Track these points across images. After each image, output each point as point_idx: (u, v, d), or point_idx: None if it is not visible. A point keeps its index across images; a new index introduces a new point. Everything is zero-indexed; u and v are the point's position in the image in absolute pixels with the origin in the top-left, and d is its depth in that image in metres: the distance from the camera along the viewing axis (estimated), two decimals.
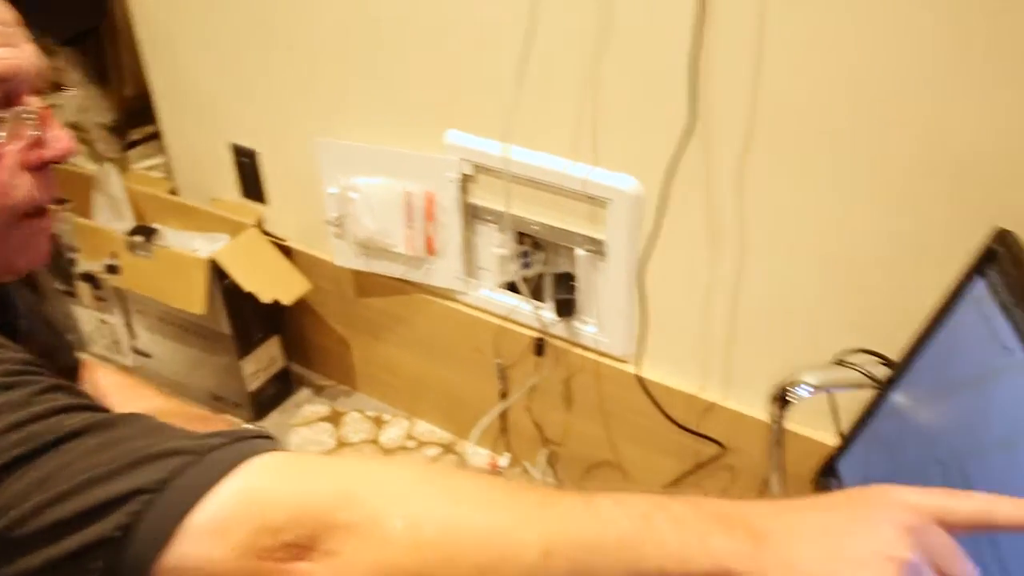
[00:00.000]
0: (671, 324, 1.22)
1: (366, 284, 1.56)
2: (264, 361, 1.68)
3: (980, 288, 0.67)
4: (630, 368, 1.27)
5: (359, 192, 1.38)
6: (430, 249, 1.39)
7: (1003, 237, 0.67)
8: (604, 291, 1.26)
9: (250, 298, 1.51)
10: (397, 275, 1.47)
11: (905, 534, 0.46)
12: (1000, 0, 0.81)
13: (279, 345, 1.71)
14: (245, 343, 1.62)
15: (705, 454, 1.31)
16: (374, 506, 0.46)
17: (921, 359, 0.73)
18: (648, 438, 1.36)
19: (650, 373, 1.27)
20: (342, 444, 1.65)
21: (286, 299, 1.54)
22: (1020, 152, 0.86)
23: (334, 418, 1.71)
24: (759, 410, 1.19)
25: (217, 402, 1.71)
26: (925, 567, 0.46)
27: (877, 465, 0.76)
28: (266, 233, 1.62)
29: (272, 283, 1.54)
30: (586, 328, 1.32)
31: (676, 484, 1.38)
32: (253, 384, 1.67)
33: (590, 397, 1.38)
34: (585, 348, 1.34)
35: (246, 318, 1.60)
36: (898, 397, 0.75)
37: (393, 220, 1.38)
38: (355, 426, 1.69)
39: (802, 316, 1.10)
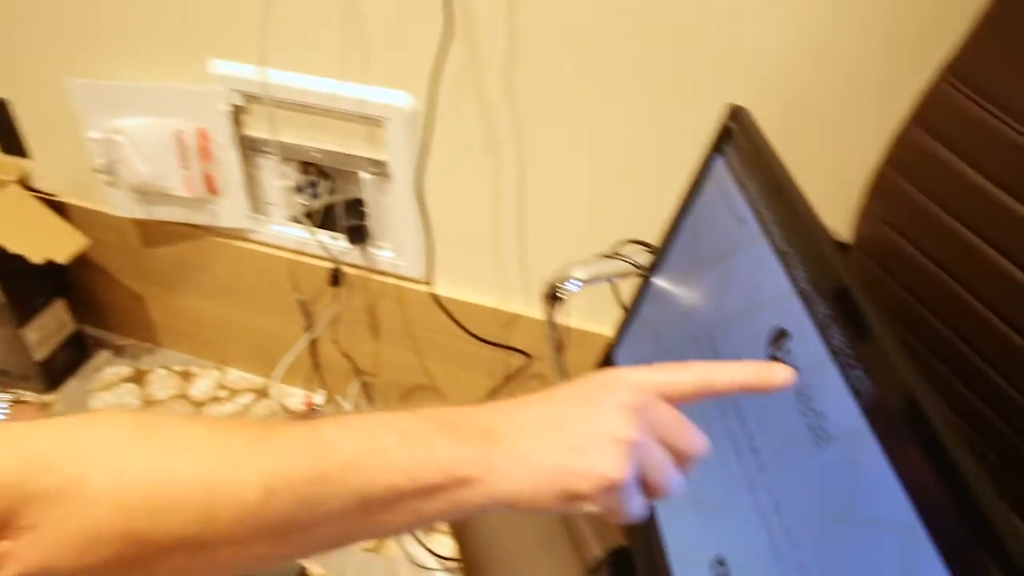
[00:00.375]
0: (462, 239, 1.22)
1: (151, 233, 1.47)
2: (50, 327, 1.56)
3: (720, 166, 0.69)
4: (427, 288, 1.26)
5: (125, 135, 1.28)
6: (211, 188, 1.32)
7: (736, 114, 0.68)
8: (395, 213, 1.23)
9: (22, 260, 1.39)
10: (181, 219, 1.39)
11: (630, 414, 0.46)
12: None
13: (66, 308, 1.59)
14: (23, 310, 1.50)
15: (515, 365, 1.33)
16: (72, 469, 0.42)
17: (676, 242, 0.75)
18: (458, 357, 1.36)
19: (449, 291, 1.26)
20: (149, 403, 1.57)
21: (60, 258, 1.42)
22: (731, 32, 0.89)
23: (138, 378, 1.62)
24: (563, 316, 1.21)
25: (2, 377, 1.58)
26: (652, 443, 0.46)
27: (644, 350, 0.78)
28: (33, 189, 1.49)
29: (43, 242, 1.42)
30: (382, 253, 1.29)
31: (491, 398, 1.39)
32: (40, 353, 1.55)
33: (395, 323, 1.36)
34: (384, 274, 1.31)
35: (21, 283, 1.47)
36: (659, 282, 0.77)
37: (166, 161, 1.29)
38: (161, 383, 1.61)
39: (587, 216, 1.11)
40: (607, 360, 0.85)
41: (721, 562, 0.59)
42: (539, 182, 1.10)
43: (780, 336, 0.57)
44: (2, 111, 1.44)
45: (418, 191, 1.15)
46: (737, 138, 0.68)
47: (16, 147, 1.49)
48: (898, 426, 0.45)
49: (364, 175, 1.21)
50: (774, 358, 0.57)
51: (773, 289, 0.59)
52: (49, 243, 1.43)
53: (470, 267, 1.24)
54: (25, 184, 1.49)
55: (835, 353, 0.51)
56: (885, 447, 0.46)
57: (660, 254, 0.78)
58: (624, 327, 0.83)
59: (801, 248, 0.57)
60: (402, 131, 1.12)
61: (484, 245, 1.21)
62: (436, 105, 1.07)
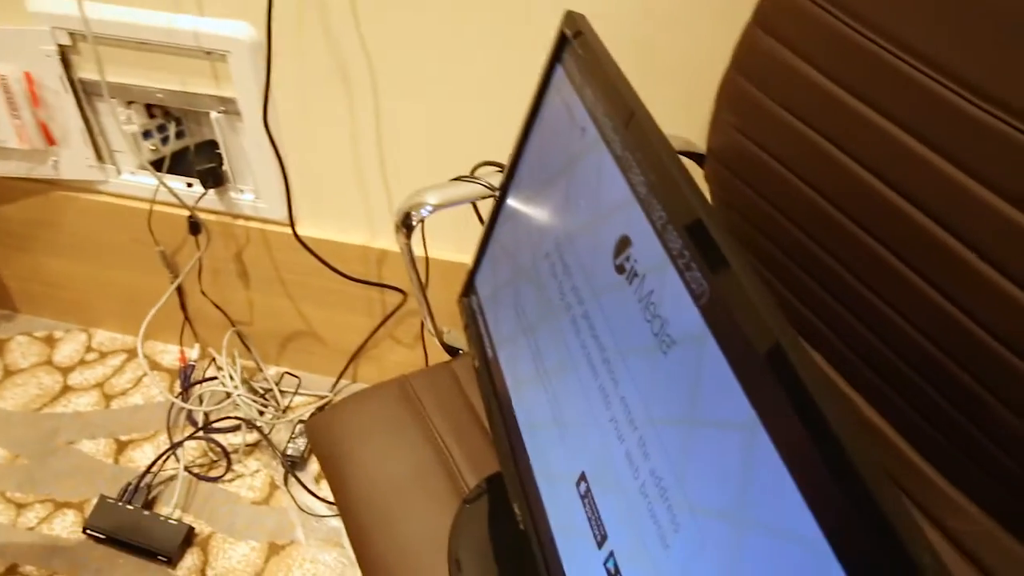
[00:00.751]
0: (321, 176, 1.17)
1: None
2: None
3: (559, 75, 0.67)
4: (290, 230, 1.21)
5: None
6: (49, 139, 1.22)
7: (572, 20, 0.66)
8: (250, 153, 1.17)
9: None
10: (22, 174, 1.29)
11: None
12: None
13: None
14: None
15: (392, 303, 1.30)
16: None
17: (524, 159, 0.73)
18: (332, 299, 1.32)
19: (315, 231, 1.22)
20: (10, 373, 1.47)
21: None
22: None
23: None
24: (435, 249, 1.18)
25: None
26: None
27: (502, 273, 0.76)
28: None
29: None
30: (242, 197, 1.23)
31: (371, 338, 1.36)
32: None
33: (264, 269, 1.31)
34: (247, 218, 1.25)
35: None
36: (511, 201, 0.75)
37: None
38: (23, 351, 1.51)
39: (448, 141, 1.08)
40: (468, 287, 0.83)
41: (583, 479, 0.59)
42: (395, 110, 1.06)
43: (623, 244, 0.56)
44: None
45: (268, 128, 1.09)
46: (574, 46, 0.65)
47: None
48: (734, 326, 0.44)
49: (214, 115, 1.14)
50: (619, 268, 0.56)
51: (614, 197, 0.57)
52: None
53: (334, 204, 1.20)
54: None
55: (673, 256, 0.50)
56: (723, 348, 0.45)
57: (510, 173, 0.75)
58: (482, 251, 0.80)
59: (637, 152, 0.55)
60: (246, 65, 1.06)
61: (346, 180, 1.16)
62: (274, 34, 1.01)
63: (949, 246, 0.62)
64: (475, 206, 0.92)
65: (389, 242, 1.22)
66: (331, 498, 1.28)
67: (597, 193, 0.60)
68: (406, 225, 0.77)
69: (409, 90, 1.03)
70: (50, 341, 1.53)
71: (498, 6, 0.93)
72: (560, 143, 0.67)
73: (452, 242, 1.17)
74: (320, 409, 1.40)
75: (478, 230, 1.06)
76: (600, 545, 0.56)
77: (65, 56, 1.14)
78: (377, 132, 1.09)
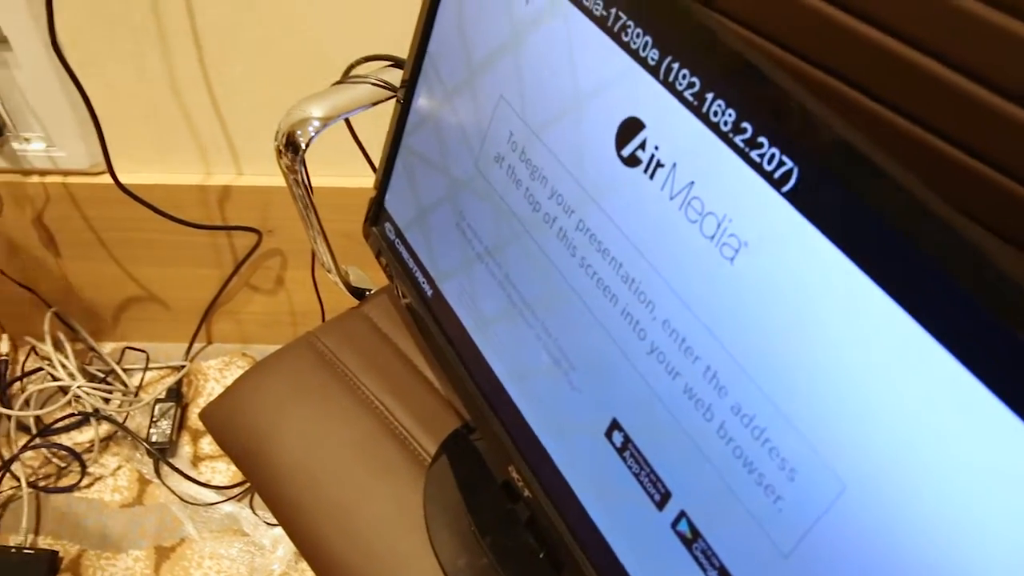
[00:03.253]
0: (131, 107, 0.95)
1: None
2: None
3: None
4: (108, 179, 0.98)
5: None
6: None
7: None
8: (30, 91, 0.93)
9: None
10: None
11: None
12: None
13: None
14: None
15: (243, 247, 1.11)
16: None
17: (435, 43, 0.58)
18: (170, 253, 1.11)
19: (134, 177, 1.00)
20: None
21: None
22: None
23: None
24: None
25: None
26: None
27: (427, 190, 0.61)
28: None
29: None
30: (31, 146, 0.99)
31: (224, 291, 1.17)
32: None
33: (76, 231, 1.08)
34: (42, 173, 1.01)
35: None
36: (423, 100, 0.60)
37: None
38: None
39: (293, 42, 0.89)
40: (376, 212, 0.67)
41: (617, 427, 0.47)
42: (215, 4, 0.85)
43: (631, 128, 0.43)
44: None
45: (60, 53, 0.85)
46: None
47: None
48: (852, 208, 0.33)
49: None
50: (630, 160, 0.43)
51: (602, 69, 0.44)
52: None
53: (153, 140, 0.98)
54: None
55: (724, 132, 0.38)
56: (835, 240, 0.34)
57: (415, 64, 0.60)
58: (388, 168, 0.65)
59: (637, 5, 0.42)
60: None
61: (164, 108, 0.95)
62: None
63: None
64: (347, 120, 0.75)
65: (230, 176, 1.03)
66: (217, 481, 1.11)
67: (571, 69, 0.46)
68: (292, 149, 0.60)
69: None
70: None
71: None
72: (490, 15, 0.52)
73: (314, 166, 0.99)
74: (180, 383, 1.20)
75: (350, 146, 0.90)
76: (661, 506, 0.45)
77: None
78: (194, 39, 0.88)
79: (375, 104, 0.64)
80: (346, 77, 0.66)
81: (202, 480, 1.10)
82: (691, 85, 0.39)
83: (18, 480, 1.09)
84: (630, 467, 0.46)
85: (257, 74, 0.91)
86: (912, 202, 0.31)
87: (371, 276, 0.81)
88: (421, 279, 0.63)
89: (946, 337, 0.31)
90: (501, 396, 0.56)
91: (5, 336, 1.22)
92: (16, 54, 0.88)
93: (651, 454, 0.45)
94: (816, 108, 0.35)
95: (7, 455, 1.11)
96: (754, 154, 0.37)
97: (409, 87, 0.60)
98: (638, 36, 0.42)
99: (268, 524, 1.06)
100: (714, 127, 0.38)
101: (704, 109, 0.39)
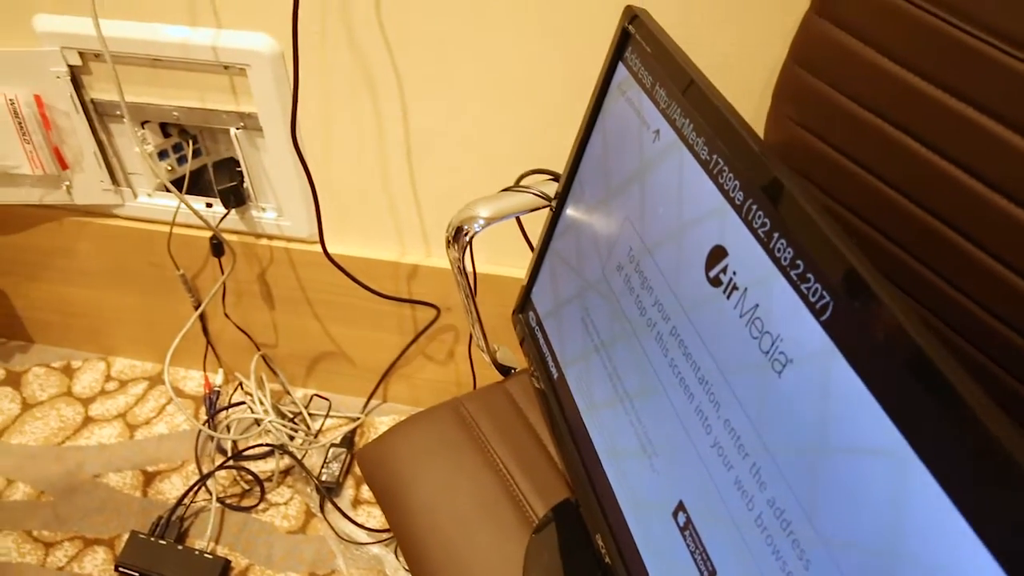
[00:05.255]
0: (348, 191, 1.12)
1: (3, 219, 1.32)
2: None
3: (623, 74, 0.63)
4: (319, 248, 1.16)
5: None
6: (62, 163, 1.18)
7: (634, 16, 0.61)
8: (272, 170, 1.12)
9: None
10: (34, 201, 1.24)
11: None
12: None
13: None
14: None
15: (424, 320, 1.25)
16: None
17: (584, 166, 0.69)
18: (362, 317, 1.27)
19: (342, 248, 1.17)
20: (29, 406, 1.43)
21: None
22: None
23: (13, 380, 1.47)
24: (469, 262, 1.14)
25: None
26: None
27: (564, 287, 0.72)
28: None
29: None
30: (265, 215, 1.18)
31: (403, 356, 1.31)
32: None
33: (289, 288, 1.26)
34: (269, 237, 1.21)
35: None
36: (570, 211, 0.71)
37: (4, 137, 1.14)
38: (41, 383, 1.47)
39: (479, 152, 1.03)
40: (524, 302, 0.78)
41: (681, 509, 0.54)
42: (424, 119, 1.01)
43: (717, 255, 0.51)
44: None
45: (298, 142, 1.04)
46: (638, 42, 0.61)
47: None
48: (868, 339, 0.40)
49: (234, 131, 1.09)
50: (714, 281, 0.51)
51: (702, 203, 0.53)
52: None
53: (361, 220, 1.15)
54: None
55: (783, 267, 0.45)
56: (855, 365, 0.41)
57: (567, 181, 0.71)
58: (537, 265, 0.76)
59: (727, 152, 0.51)
60: (267, 77, 1.01)
61: (373, 195, 1.12)
62: (300, 44, 0.96)
63: None
64: (518, 218, 0.87)
65: (419, 256, 1.18)
66: (370, 524, 1.23)
67: (679, 200, 0.56)
68: (458, 240, 0.73)
69: (439, 96, 0.99)
70: (68, 371, 1.48)
71: (540, 2, 0.89)
72: (628, 147, 0.62)
73: (487, 254, 1.12)
74: (353, 432, 1.35)
75: (518, 240, 1.02)
76: None
77: (76, 76, 1.09)
78: (406, 143, 1.04)
79: (533, 211, 0.75)
80: (516, 185, 0.79)
81: (358, 521, 1.23)
82: (763, 224, 0.47)
83: (210, 494, 1.27)
84: (688, 544, 0.53)
85: (448, 172, 1.06)
86: (924, 356, 0.37)
87: (518, 356, 0.91)
88: (551, 363, 0.73)
89: (948, 482, 0.36)
90: (598, 470, 0.64)
91: (221, 370, 1.43)
92: (266, 140, 1.08)
93: (705, 534, 0.52)
94: (853, 258, 0.42)
95: (205, 471, 1.30)
96: (803, 286, 0.44)
97: (561, 200, 0.72)
98: (730, 179, 0.50)
99: (406, 571, 1.17)
100: (776, 261, 0.46)
101: (771, 245, 0.47)
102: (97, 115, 1.13)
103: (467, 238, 0.72)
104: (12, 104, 1.10)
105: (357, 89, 1.00)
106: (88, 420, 1.40)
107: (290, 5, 0.94)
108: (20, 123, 1.12)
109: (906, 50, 0.64)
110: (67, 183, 1.21)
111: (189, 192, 1.18)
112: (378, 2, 0.92)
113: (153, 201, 1.22)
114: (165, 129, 1.15)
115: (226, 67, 1.03)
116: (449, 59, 0.95)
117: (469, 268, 1.09)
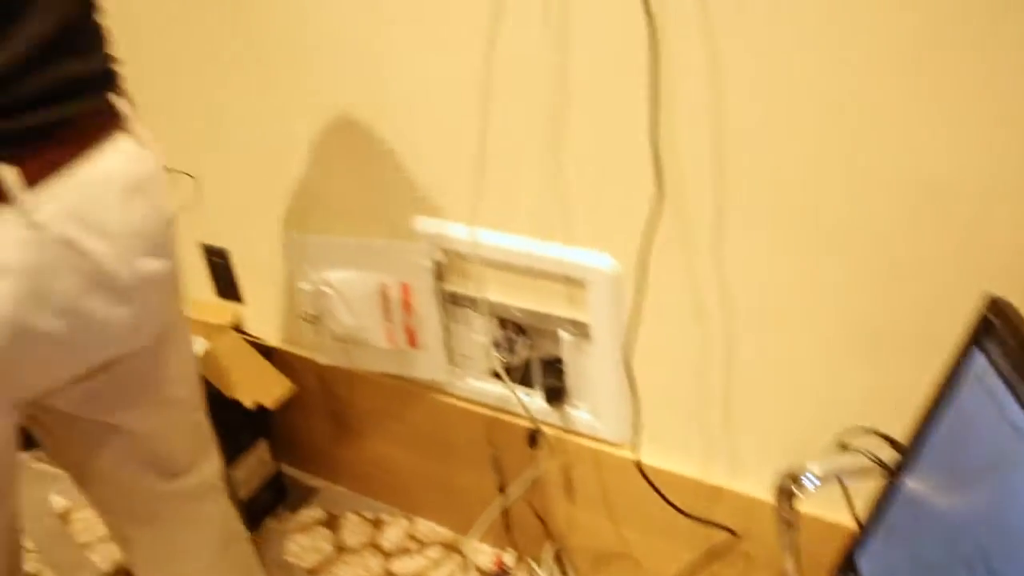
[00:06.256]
0: (665, 406, 1.15)
1: (350, 380, 1.50)
2: (253, 467, 1.60)
3: (980, 362, 0.60)
4: (628, 454, 1.19)
5: (333, 287, 1.33)
6: (412, 341, 1.33)
7: (996, 305, 0.60)
8: (593, 375, 1.19)
9: (235, 403, 1.45)
10: (380, 369, 1.41)
11: None
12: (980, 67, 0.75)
13: (267, 448, 1.63)
14: (231, 450, 1.55)
15: (718, 540, 1.22)
16: None
17: (930, 442, 0.66)
18: (655, 526, 1.27)
19: (650, 458, 1.19)
20: (341, 549, 1.56)
21: (268, 402, 1.47)
22: (1014, 214, 0.80)
23: (330, 522, 1.62)
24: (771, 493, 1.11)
25: None
26: None
27: (899, 562, 0.67)
28: (244, 333, 1.56)
29: (254, 386, 1.48)
30: (580, 414, 1.24)
31: (691, 574, 1.28)
32: (244, 492, 1.59)
33: (591, 486, 1.30)
34: (581, 435, 1.26)
35: (231, 423, 1.53)
36: (912, 485, 0.67)
37: (370, 314, 1.32)
38: (353, 529, 1.60)
39: (803, 391, 1.02)
40: (848, 562, 0.75)
41: None
42: (750, 353, 1.03)
43: None
44: (223, 261, 1.54)
45: (627, 355, 1.10)
46: (1000, 333, 0.59)
47: (231, 292, 1.59)
48: None
49: (563, 335, 1.18)
50: None
51: None
52: (259, 387, 1.48)
53: (672, 434, 1.17)
54: (237, 328, 1.56)
55: None
56: None
57: (909, 453, 0.68)
58: (868, 530, 0.73)
59: None
60: (604, 294, 1.09)
61: (688, 412, 1.14)
62: (647, 270, 1.03)
63: None
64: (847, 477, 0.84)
65: (723, 479, 1.17)
66: None
67: None
68: (787, 491, 0.72)
69: (767, 332, 1.00)
70: (377, 523, 1.61)
71: (883, 261, 0.88)
72: (984, 436, 0.59)
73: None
74: None
75: (835, 488, 0.98)
76: None
77: (439, 271, 1.24)
78: (727, 369, 1.06)
79: (865, 475, 0.73)
80: (847, 444, 0.77)
81: None
82: None
83: None
84: None
85: (768, 406, 1.05)
86: None
87: None
88: None
89: None
90: None
91: (514, 551, 1.48)
92: (594, 347, 1.15)
93: None
94: None
95: None
96: None
97: (899, 471, 0.69)
98: None
99: None
100: None
101: None
102: (449, 304, 1.27)
103: (798, 493, 0.71)
104: (384, 288, 1.27)
105: (686, 312, 1.05)
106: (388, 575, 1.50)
107: (632, 232, 1.01)
108: (385, 305, 1.29)
109: None
110: (412, 358, 1.35)
111: (514, 382, 1.27)
112: (719, 241, 0.97)
113: (480, 384, 1.32)
114: (502, 323, 1.26)
115: (568, 279, 1.12)
116: (786, 297, 0.97)
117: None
